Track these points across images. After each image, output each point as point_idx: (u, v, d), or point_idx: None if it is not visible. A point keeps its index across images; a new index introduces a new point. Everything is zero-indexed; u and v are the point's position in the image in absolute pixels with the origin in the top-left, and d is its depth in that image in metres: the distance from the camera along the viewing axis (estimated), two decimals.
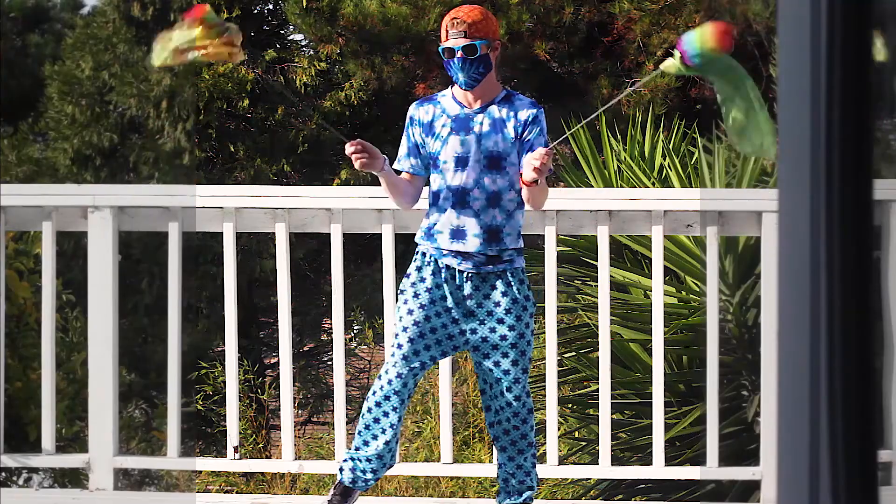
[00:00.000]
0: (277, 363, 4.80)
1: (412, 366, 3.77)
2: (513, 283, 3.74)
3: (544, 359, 4.80)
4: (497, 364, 3.77)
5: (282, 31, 15.65)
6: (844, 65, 1.34)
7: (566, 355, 5.82)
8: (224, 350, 4.88)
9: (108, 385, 4.60)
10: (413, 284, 3.77)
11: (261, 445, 8.82)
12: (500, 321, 3.74)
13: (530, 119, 3.72)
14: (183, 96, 14.57)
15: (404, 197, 3.87)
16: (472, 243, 3.71)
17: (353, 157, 3.69)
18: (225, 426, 4.77)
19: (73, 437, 6.95)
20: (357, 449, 3.88)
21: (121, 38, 15.00)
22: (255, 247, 14.11)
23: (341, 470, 3.92)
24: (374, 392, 3.82)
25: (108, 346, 4.58)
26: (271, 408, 11.21)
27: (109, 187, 5.43)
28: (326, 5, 11.99)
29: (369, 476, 3.89)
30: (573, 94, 12.02)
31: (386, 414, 3.81)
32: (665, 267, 4.86)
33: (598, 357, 4.64)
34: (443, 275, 3.75)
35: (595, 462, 4.78)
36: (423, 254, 3.78)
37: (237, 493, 8.25)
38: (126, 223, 4.66)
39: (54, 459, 4.80)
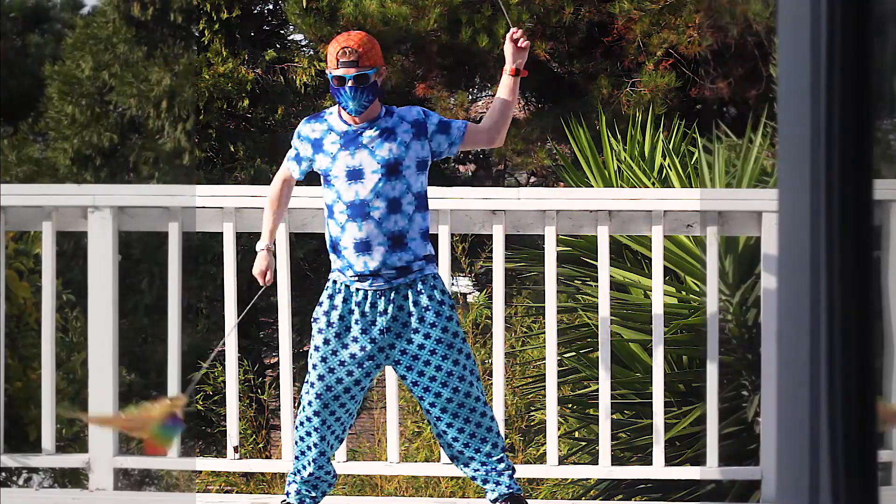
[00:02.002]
0: (277, 363, 4.80)
1: (337, 394, 3.86)
2: (423, 291, 3.81)
3: (544, 359, 4.80)
4: (422, 374, 3.83)
5: (282, 31, 15.65)
6: (844, 65, 1.34)
7: (566, 355, 5.82)
8: (224, 350, 4.88)
9: (108, 385, 4.60)
10: (326, 313, 3.84)
11: (261, 445, 8.82)
12: (416, 331, 3.81)
13: (421, 118, 3.86)
14: (183, 96, 14.56)
15: (282, 207, 4.08)
16: (377, 253, 3.78)
17: (264, 280, 4.01)
18: (225, 426, 4.77)
19: (73, 437, 6.95)
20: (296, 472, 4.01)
21: (121, 38, 15.00)
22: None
23: (287, 494, 4.03)
24: (302, 423, 3.92)
25: (108, 346, 4.58)
26: (271, 408, 11.21)
27: (109, 187, 5.42)
28: (326, 5, 11.99)
29: (315, 495, 4.01)
30: (573, 94, 12.03)
31: (315, 445, 3.93)
32: (665, 267, 4.86)
33: (598, 357, 4.64)
34: (355, 297, 3.82)
35: (595, 462, 4.78)
36: (335, 281, 3.86)
37: (237, 493, 8.25)
38: (126, 223, 4.66)
39: (54, 459, 4.80)
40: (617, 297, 5.61)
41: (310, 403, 3.88)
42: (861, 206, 1.35)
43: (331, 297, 3.85)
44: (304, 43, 15.38)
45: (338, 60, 3.77)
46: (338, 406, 3.88)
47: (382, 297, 3.80)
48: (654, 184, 5.95)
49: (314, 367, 3.86)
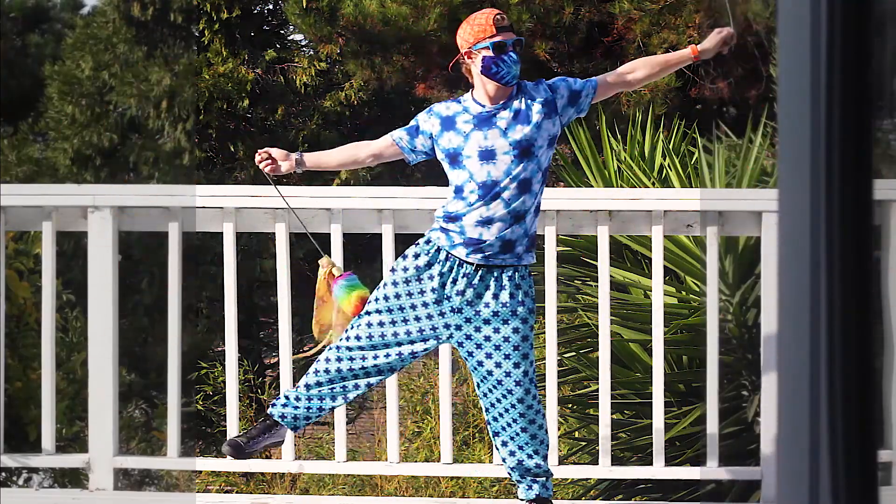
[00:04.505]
0: (277, 363, 4.80)
1: (387, 342, 3.81)
2: (507, 287, 3.74)
3: (544, 359, 4.80)
4: (481, 364, 3.78)
5: (282, 31, 15.65)
6: (844, 65, 1.34)
7: (566, 355, 5.82)
8: (224, 350, 4.88)
9: (108, 385, 4.60)
10: (405, 269, 3.78)
11: None
12: (487, 322, 3.74)
13: (550, 96, 3.78)
14: (183, 96, 14.56)
15: (350, 165, 3.98)
16: (496, 227, 3.70)
17: (260, 165, 3.90)
18: (225, 426, 4.77)
19: (73, 437, 6.95)
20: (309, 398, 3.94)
21: (121, 38, 15.00)
22: (255, 247, 14.11)
23: (273, 405, 3.99)
24: (332, 348, 3.87)
25: (108, 346, 4.58)
26: None
27: (109, 187, 5.42)
28: (326, 5, 11.99)
29: (300, 416, 3.96)
30: None
31: (339, 371, 3.87)
32: (665, 267, 4.86)
33: (598, 357, 4.64)
34: (441, 266, 3.75)
35: (595, 462, 4.78)
36: (429, 241, 3.79)
37: (237, 493, 8.25)
38: (126, 223, 4.66)
39: (54, 459, 4.80)
40: (617, 297, 5.61)
41: (357, 338, 3.81)
42: (861, 206, 1.36)
43: (417, 255, 3.78)
44: (304, 43, 15.37)
45: (495, 27, 3.71)
46: (383, 354, 3.82)
47: (466, 278, 3.73)
48: (654, 184, 5.95)
49: (378, 311, 3.79)
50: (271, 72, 14.82)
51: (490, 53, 3.71)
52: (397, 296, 3.78)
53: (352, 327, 3.85)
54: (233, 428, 4.67)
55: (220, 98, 14.45)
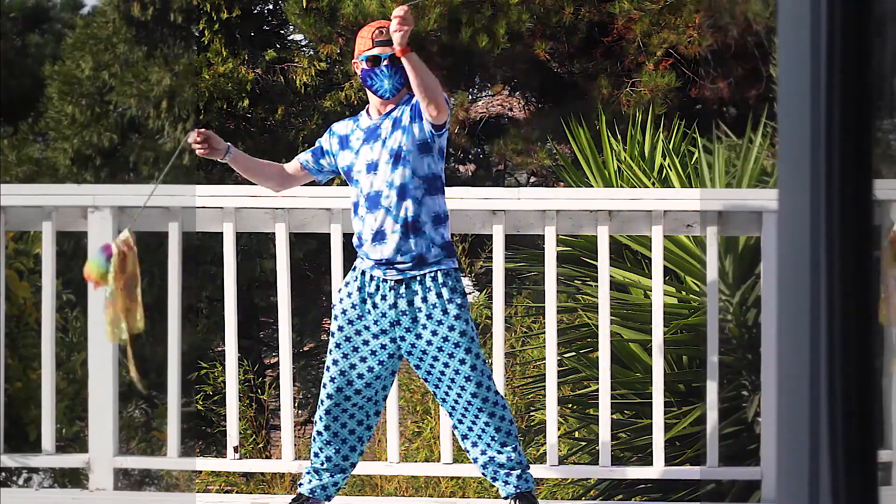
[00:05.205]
0: (277, 363, 4.81)
1: (350, 379, 3.90)
2: (433, 288, 3.81)
3: (544, 359, 4.80)
4: (430, 371, 3.87)
5: (282, 31, 15.64)
6: (844, 65, 1.34)
7: (566, 355, 5.82)
8: (224, 350, 4.88)
9: (108, 385, 4.60)
10: (341, 300, 3.90)
11: (261, 445, 8.82)
12: (424, 327, 3.82)
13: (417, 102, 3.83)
14: (183, 96, 14.55)
15: (267, 180, 4.07)
16: (391, 241, 3.79)
17: (194, 145, 3.87)
18: (225, 426, 4.77)
19: (73, 437, 6.95)
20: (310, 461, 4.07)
21: (121, 38, 14.99)
22: (255, 247, 14.10)
23: (300, 485, 4.06)
24: (318, 406, 3.97)
25: (108, 346, 4.58)
26: (271, 408, 11.21)
27: (109, 187, 5.41)
28: (326, 5, 12.00)
29: (327, 485, 4.04)
30: (573, 94, 12.02)
31: (328, 427, 3.96)
32: (665, 267, 4.86)
33: (598, 357, 4.64)
34: (368, 288, 3.86)
35: (595, 462, 4.78)
36: (354, 268, 3.92)
37: (237, 493, 8.25)
38: (126, 223, 4.65)
39: (54, 459, 4.80)
40: (617, 297, 5.61)
41: (324, 386, 3.95)
42: (861, 206, 1.36)
43: (347, 283, 3.92)
44: (304, 43, 15.37)
45: (373, 40, 3.81)
46: (352, 392, 3.92)
47: (392, 291, 3.83)
48: (654, 184, 5.95)
49: (329, 351, 3.93)
50: (271, 72, 14.81)
51: (365, 66, 3.83)
52: (340, 328, 3.90)
53: (324, 385, 3.94)
54: (233, 428, 4.66)
55: (220, 98, 14.44)
